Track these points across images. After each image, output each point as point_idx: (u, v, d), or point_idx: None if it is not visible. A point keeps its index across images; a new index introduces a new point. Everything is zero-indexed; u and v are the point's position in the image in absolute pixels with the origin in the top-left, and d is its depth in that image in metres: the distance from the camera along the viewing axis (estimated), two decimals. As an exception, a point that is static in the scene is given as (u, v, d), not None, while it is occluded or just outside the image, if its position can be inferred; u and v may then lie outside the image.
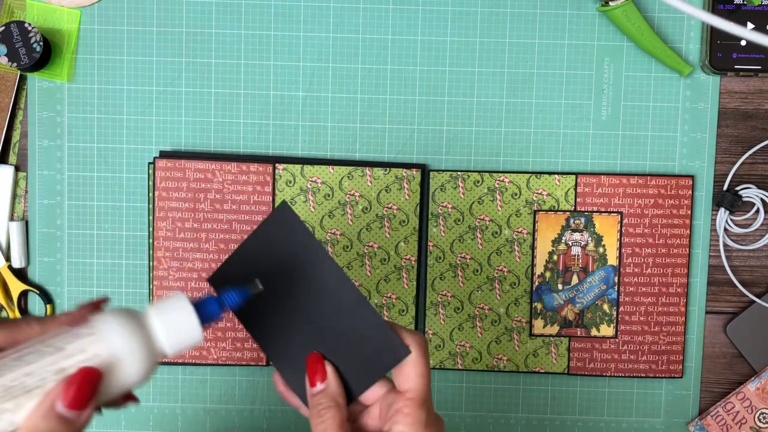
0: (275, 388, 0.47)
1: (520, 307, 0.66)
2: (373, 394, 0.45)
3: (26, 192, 0.67)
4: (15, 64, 0.63)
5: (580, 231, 0.65)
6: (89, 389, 0.35)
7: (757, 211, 0.66)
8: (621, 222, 0.65)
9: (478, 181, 0.65)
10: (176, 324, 0.38)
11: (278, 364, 0.46)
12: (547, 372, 0.66)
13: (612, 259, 0.65)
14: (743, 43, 0.64)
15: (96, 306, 0.40)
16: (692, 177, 0.65)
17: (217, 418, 0.67)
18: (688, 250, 0.65)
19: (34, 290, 0.66)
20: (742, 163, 0.66)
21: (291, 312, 0.45)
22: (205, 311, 0.40)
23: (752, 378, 0.66)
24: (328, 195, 0.65)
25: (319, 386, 0.43)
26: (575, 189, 0.65)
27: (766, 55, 0.64)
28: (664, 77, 0.66)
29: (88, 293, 0.67)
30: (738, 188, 0.66)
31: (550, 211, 0.65)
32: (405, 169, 0.65)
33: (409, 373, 0.42)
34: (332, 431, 0.42)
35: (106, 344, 0.36)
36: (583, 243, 0.65)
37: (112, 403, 0.40)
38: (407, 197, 0.65)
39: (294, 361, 0.45)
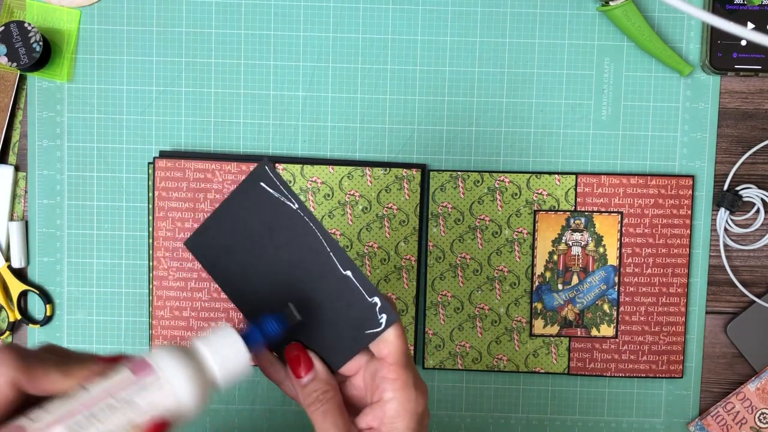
0: (256, 362, 0.46)
1: (520, 307, 0.66)
2: (355, 364, 0.44)
3: (26, 192, 0.67)
4: (15, 64, 0.63)
5: (581, 231, 0.65)
6: None
7: (758, 211, 0.66)
8: (621, 222, 0.65)
9: (478, 181, 0.65)
10: (228, 359, 0.39)
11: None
12: (547, 372, 0.66)
13: (612, 259, 0.65)
14: (743, 42, 0.64)
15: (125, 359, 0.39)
16: (692, 177, 0.65)
17: (217, 418, 0.67)
18: (688, 250, 0.65)
19: (34, 290, 0.66)
20: (743, 163, 0.66)
21: (273, 278, 0.44)
22: (251, 343, 0.40)
23: (752, 378, 0.66)
24: (328, 195, 0.65)
25: (308, 376, 0.43)
26: (575, 189, 0.65)
27: (767, 54, 0.64)
28: (664, 77, 0.66)
29: (88, 293, 0.66)
30: (738, 188, 0.66)
31: (550, 211, 0.65)
32: (405, 169, 0.65)
33: (387, 337, 0.42)
34: (334, 413, 0.42)
35: (173, 396, 0.36)
36: (583, 243, 0.65)
37: None
38: (407, 197, 0.65)
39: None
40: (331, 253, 0.42)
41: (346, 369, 0.44)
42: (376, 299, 0.42)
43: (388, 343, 0.42)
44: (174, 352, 0.37)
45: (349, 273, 0.42)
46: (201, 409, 0.38)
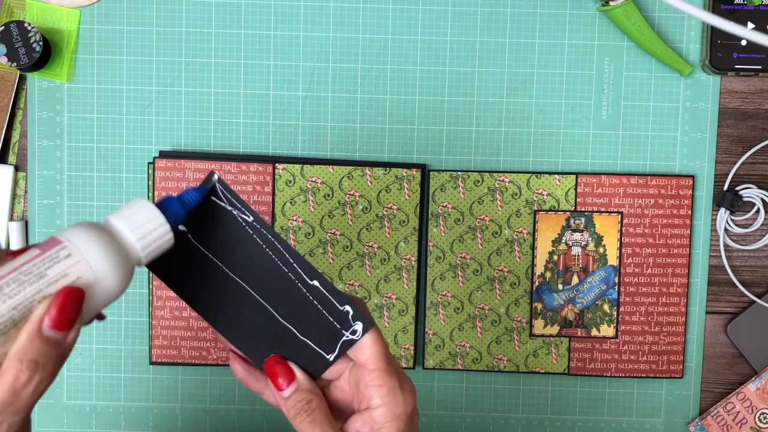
0: (234, 375, 0.45)
1: (520, 308, 0.66)
2: (338, 368, 0.44)
3: (26, 192, 0.67)
4: (14, 64, 0.63)
5: (581, 231, 0.65)
6: (74, 309, 0.34)
7: (758, 211, 0.66)
8: (621, 222, 0.65)
9: (478, 181, 0.65)
10: (144, 228, 0.37)
11: (239, 347, 0.44)
12: (547, 372, 0.66)
13: (612, 259, 0.65)
14: (743, 42, 0.64)
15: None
16: (692, 177, 0.65)
17: (217, 418, 0.67)
18: (688, 250, 0.65)
19: (34, 290, 0.66)
20: (743, 163, 0.66)
21: (242, 290, 0.43)
22: (169, 211, 0.38)
23: (752, 378, 0.66)
24: (328, 195, 0.65)
25: (290, 389, 0.42)
26: (575, 189, 0.65)
27: (767, 54, 0.64)
28: (664, 77, 0.66)
29: (87, 293, 0.66)
30: (738, 188, 0.66)
31: (551, 211, 0.65)
32: (405, 169, 0.65)
33: (364, 343, 0.42)
34: (322, 422, 0.41)
35: (87, 265, 0.35)
36: (583, 243, 0.65)
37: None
38: (407, 197, 0.65)
39: (253, 340, 0.44)
40: (294, 264, 0.42)
41: (329, 374, 0.44)
42: (348, 307, 0.42)
43: (366, 349, 0.41)
44: (84, 225, 0.36)
45: (316, 283, 0.42)
46: (123, 282, 0.36)
